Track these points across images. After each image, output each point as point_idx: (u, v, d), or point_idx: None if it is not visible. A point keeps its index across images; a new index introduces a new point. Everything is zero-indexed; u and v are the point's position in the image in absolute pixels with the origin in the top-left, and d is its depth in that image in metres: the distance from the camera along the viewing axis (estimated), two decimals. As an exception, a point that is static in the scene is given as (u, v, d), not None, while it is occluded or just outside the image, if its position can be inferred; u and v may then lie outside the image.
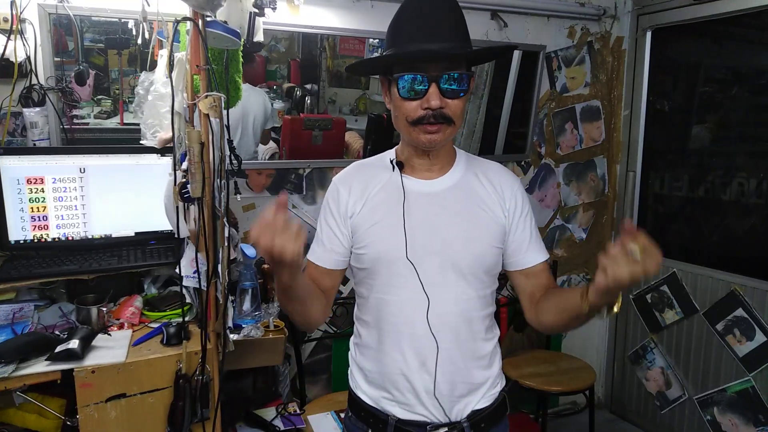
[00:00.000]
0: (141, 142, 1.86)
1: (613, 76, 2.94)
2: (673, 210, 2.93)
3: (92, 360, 1.46)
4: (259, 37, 1.81)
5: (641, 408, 2.96)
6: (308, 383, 2.39)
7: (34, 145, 1.82)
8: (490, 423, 1.21)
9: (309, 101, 2.74)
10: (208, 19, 1.43)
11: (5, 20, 1.74)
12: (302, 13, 2.16)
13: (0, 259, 1.74)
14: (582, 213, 3.01)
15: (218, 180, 1.46)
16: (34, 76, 1.82)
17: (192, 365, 1.53)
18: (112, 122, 2.09)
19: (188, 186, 1.46)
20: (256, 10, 1.75)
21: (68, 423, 1.52)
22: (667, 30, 2.77)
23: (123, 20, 1.95)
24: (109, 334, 1.60)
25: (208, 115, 1.40)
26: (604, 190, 3.05)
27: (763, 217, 2.52)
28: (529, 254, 1.21)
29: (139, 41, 1.84)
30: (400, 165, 1.19)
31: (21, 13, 1.75)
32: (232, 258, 1.74)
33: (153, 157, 1.85)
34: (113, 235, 1.86)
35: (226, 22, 1.51)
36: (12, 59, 1.75)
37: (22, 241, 1.76)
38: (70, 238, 1.81)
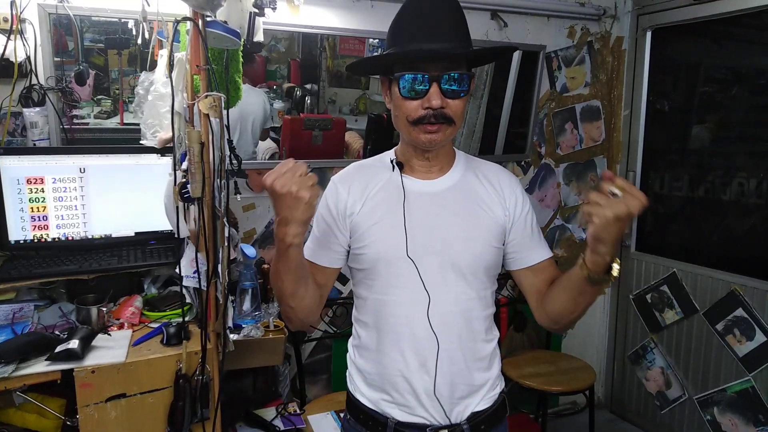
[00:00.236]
0: (141, 142, 1.87)
1: (613, 76, 2.94)
2: (673, 210, 2.93)
3: (92, 360, 1.46)
4: (259, 37, 1.81)
5: (641, 408, 2.96)
6: (308, 383, 2.39)
7: (34, 145, 1.82)
8: (490, 425, 1.21)
9: (309, 101, 2.74)
10: (208, 19, 1.43)
11: (5, 20, 1.74)
12: (302, 13, 2.16)
13: (0, 259, 1.74)
14: (582, 213, 3.00)
15: (218, 180, 1.46)
16: (34, 76, 1.82)
17: (192, 365, 1.52)
18: (112, 122, 2.09)
19: (188, 186, 1.46)
20: (256, 10, 1.75)
21: (68, 423, 1.52)
22: (667, 30, 2.77)
23: (123, 20, 1.95)
24: (109, 334, 1.60)
25: (208, 115, 1.40)
26: (604, 190, 3.04)
27: (763, 217, 2.52)
28: (535, 251, 1.20)
29: (139, 41, 1.85)
30: (400, 165, 1.18)
31: (21, 13, 1.75)
32: (232, 258, 1.74)
33: (153, 157, 1.85)
34: (113, 235, 1.86)
35: (226, 22, 1.51)
36: (12, 59, 1.75)
37: (22, 241, 1.76)
38: (70, 238, 1.81)
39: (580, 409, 3.05)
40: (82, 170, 1.80)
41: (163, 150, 1.83)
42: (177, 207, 1.59)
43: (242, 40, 1.64)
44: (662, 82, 2.89)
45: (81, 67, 1.95)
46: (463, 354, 1.16)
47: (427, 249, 1.13)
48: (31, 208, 1.76)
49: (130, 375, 1.47)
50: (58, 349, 1.44)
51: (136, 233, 1.88)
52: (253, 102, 2.45)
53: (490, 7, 2.53)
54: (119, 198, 1.85)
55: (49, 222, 1.78)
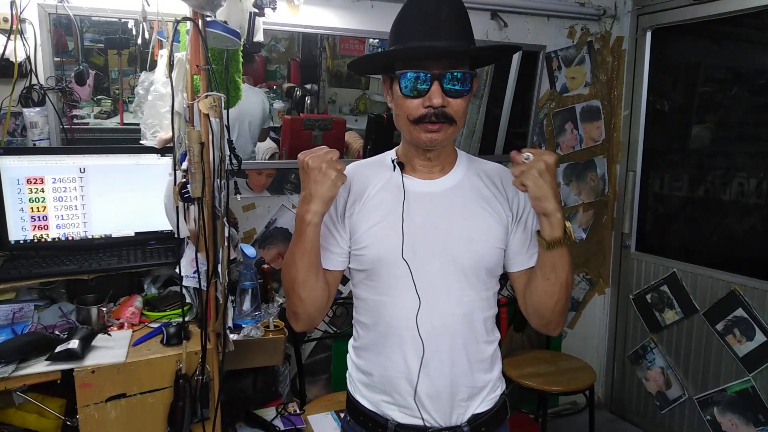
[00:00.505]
0: (141, 142, 1.87)
1: (613, 76, 2.94)
2: (673, 210, 2.93)
3: (92, 360, 1.46)
4: (259, 37, 1.81)
5: (641, 408, 2.96)
6: (308, 383, 2.39)
7: (34, 145, 1.82)
8: (491, 427, 1.20)
9: (309, 101, 2.74)
10: (208, 19, 1.43)
11: (5, 20, 1.74)
12: (302, 13, 2.16)
13: (0, 259, 1.74)
14: (582, 213, 3.01)
15: (218, 180, 1.46)
16: (34, 76, 1.82)
17: (192, 365, 1.52)
18: (112, 122, 2.09)
19: (188, 186, 1.46)
20: (256, 10, 1.76)
21: (68, 423, 1.52)
22: (667, 30, 2.77)
23: (123, 20, 1.95)
24: (109, 334, 1.60)
25: (208, 115, 1.40)
26: (604, 190, 3.05)
27: (763, 217, 2.52)
28: (535, 254, 1.18)
29: (139, 41, 1.85)
30: (401, 165, 1.17)
31: (21, 13, 1.75)
32: (232, 258, 1.74)
33: (153, 157, 1.85)
34: (113, 235, 1.86)
35: (226, 22, 1.51)
36: (12, 59, 1.75)
37: (22, 241, 1.76)
38: (70, 238, 1.81)
39: (580, 409, 3.05)
40: (82, 170, 1.80)
41: (163, 150, 1.83)
42: (177, 207, 1.59)
43: (242, 40, 1.64)
44: (662, 82, 2.89)
45: (81, 67, 1.95)
46: (464, 356, 1.15)
47: (428, 250, 1.12)
48: (31, 208, 1.76)
49: (130, 375, 1.47)
50: (58, 349, 1.44)
51: (136, 233, 1.88)
52: (252, 102, 2.45)
53: (490, 7, 2.53)
54: (119, 198, 1.85)
55: (49, 222, 1.78)
